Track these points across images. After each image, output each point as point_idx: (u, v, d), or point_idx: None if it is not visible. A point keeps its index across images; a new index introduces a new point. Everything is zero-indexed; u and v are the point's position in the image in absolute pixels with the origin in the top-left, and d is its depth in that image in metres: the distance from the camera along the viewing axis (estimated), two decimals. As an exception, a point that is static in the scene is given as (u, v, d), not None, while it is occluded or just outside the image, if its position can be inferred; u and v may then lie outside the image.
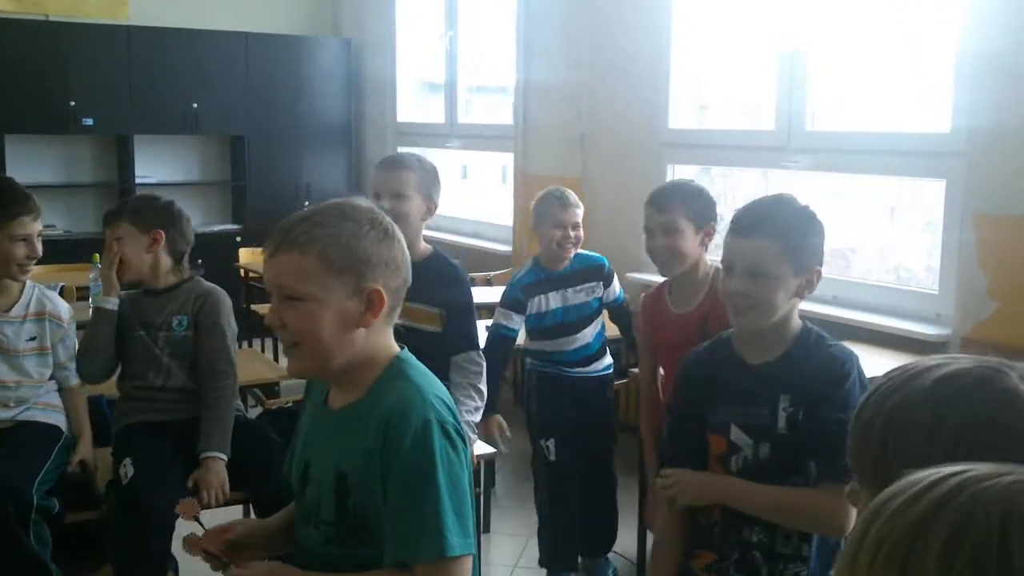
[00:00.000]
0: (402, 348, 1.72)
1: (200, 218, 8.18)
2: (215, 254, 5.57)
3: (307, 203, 7.96)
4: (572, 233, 3.82)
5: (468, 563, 1.61)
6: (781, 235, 2.07)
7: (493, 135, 7.16)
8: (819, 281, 2.15)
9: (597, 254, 4.08)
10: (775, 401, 2.08)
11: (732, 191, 6.00)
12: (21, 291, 3.02)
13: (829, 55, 4.79)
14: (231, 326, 3.13)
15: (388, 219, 1.69)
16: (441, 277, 3.17)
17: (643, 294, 3.18)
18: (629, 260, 5.79)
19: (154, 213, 3.06)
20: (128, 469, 2.82)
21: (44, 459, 2.86)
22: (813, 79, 4.77)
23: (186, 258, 3.16)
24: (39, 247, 2.97)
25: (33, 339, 3.00)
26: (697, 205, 3.06)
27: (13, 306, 2.99)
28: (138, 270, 3.05)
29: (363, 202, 1.70)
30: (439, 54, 7.66)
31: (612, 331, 4.24)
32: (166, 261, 3.08)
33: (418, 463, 1.57)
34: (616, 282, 4.09)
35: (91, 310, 3.12)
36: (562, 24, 6.24)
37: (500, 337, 3.79)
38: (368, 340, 1.65)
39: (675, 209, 3.01)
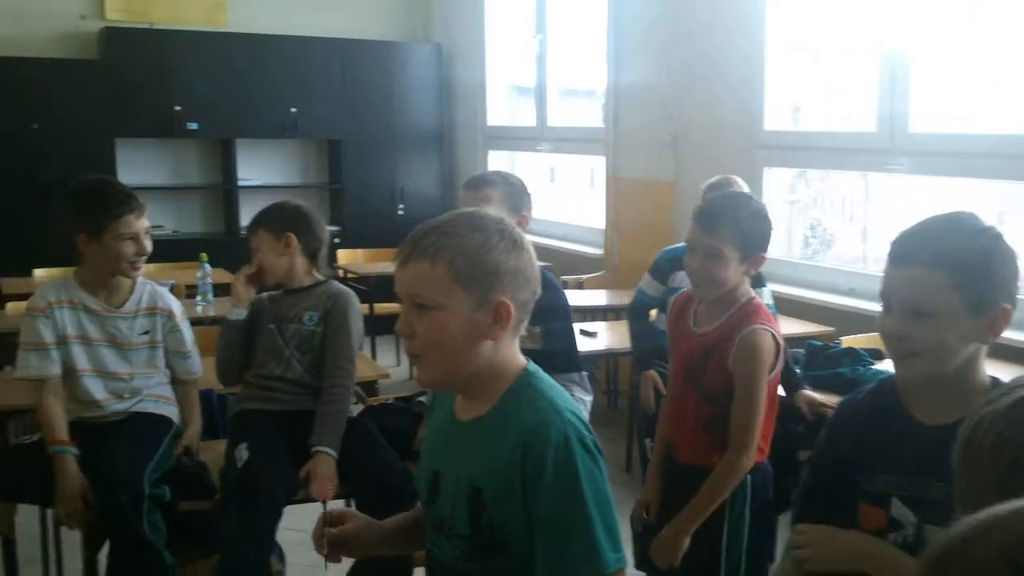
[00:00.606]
0: (528, 361, 1.71)
1: (297, 220, 8.38)
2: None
3: (401, 206, 8.22)
4: None
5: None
6: (948, 265, 1.69)
7: (583, 138, 7.20)
8: (1007, 323, 1.74)
9: None
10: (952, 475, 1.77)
11: (829, 194, 5.95)
12: (132, 288, 3.12)
13: (933, 55, 4.71)
14: (358, 328, 3.23)
15: (518, 230, 1.65)
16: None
17: (677, 294, 2.97)
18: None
19: (284, 218, 3.18)
20: (243, 453, 2.91)
21: (154, 449, 2.95)
22: (916, 79, 4.68)
23: (322, 255, 3.27)
24: (147, 244, 3.05)
25: (145, 333, 3.10)
26: (749, 231, 2.59)
27: (125, 302, 3.09)
28: (276, 273, 3.18)
29: (493, 213, 1.67)
30: (529, 57, 7.72)
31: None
32: (301, 262, 3.19)
33: (563, 482, 1.54)
34: (765, 291, 4.06)
35: (222, 323, 3.26)
36: (652, 25, 6.25)
37: (637, 300, 4.28)
38: (495, 352, 1.63)
39: (722, 233, 2.56)
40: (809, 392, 3.72)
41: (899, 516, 1.78)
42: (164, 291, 3.21)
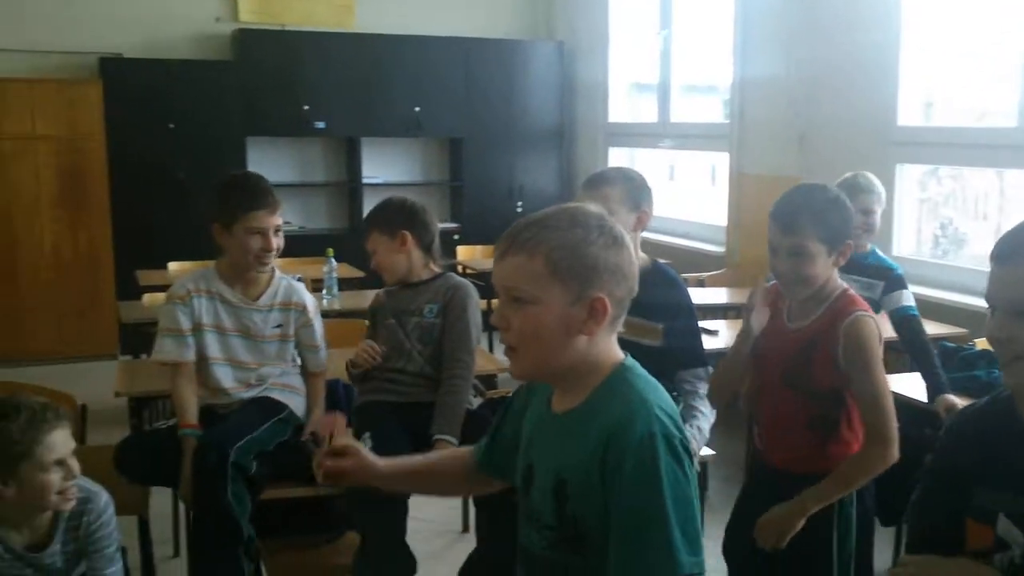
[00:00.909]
0: (626, 355, 1.70)
1: (420, 217, 8.51)
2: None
3: (520, 204, 8.26)
4: (861, 219, 3.69)
5: None
6: None
7: (706, 134, 7.11)
8: None
9: (893, 261, 4.06)
10: None
11: (961, 192, 5.75)
12: (270, 282, 3.20)
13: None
14: (476, 320, 3.26)
15: (618, 227, 1.65)
16: (661, 290, 3.19)
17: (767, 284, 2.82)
18: (849, 262, 5.63)
19: (395, 217, 3.23)
20: (368, 442, 2.97)
21: (253, 427, 3.01)
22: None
23: (436, 247, 3.32)
24: (274, 241, 3.10)
25: (278, 327, 3.18)
26: (831, 222, 2.48)
27: (261, 295, 3.18)
28: (394, 271, 3.24)
29: (594, 208, 1.66)
30: (652, 53, 7.66)
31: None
32: (417, 256, 3.25)
33: (642, 478, 1.53)
34: (906, 293, 3.91)
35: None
36: (782, 19, 6.13)
37: None
38: (591, 347, 1.63)
39: (804, 230, 2.45)
40: (952, 397, 3.50)
41: (1005, 535, 1.67)
42: (300, 287, 3.27)
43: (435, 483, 2.01)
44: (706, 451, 3.17)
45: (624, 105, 8.26)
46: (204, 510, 2.89)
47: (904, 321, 3.85)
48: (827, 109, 5.80)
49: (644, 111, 7.98)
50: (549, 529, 1.64)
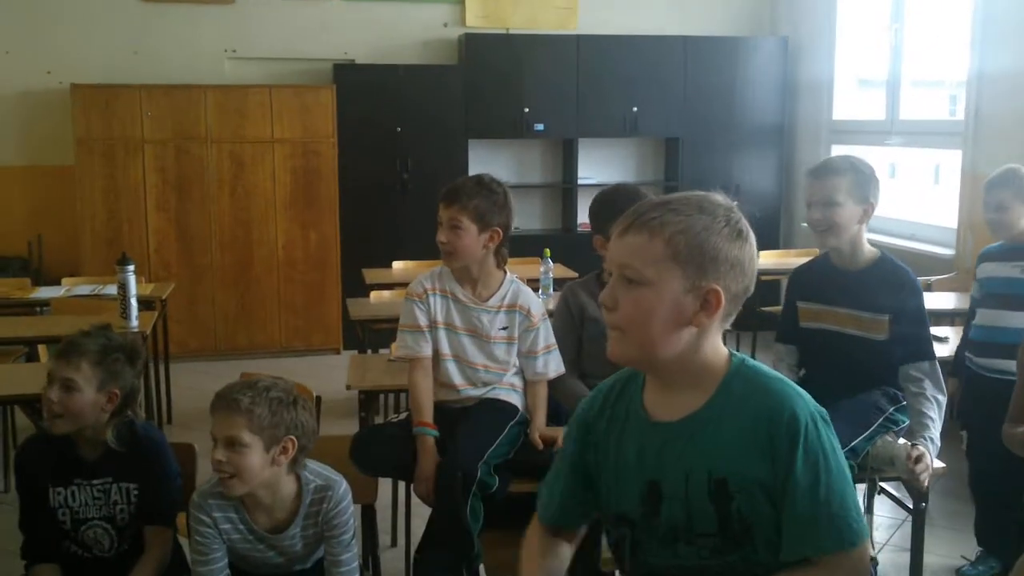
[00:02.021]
0: (740, 354, 1.67)
1: (635, 216, 8.51)
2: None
3: (736, 203, 8.05)
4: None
5: (869, 546, 1.60)
6: None
7: (937, 131, 6.78)
8: None
9: None
10: None
11: None
12: (501, 283, 3.22)
13: None
14: None
15: (745, 220, 1.62)
16: (889, 282, 3.10)
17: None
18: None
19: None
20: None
21: (494, 436, 3.03)
22: None
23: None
24: (443, 235, 3.09)
25: (504, 329, 3.19)
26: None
27: (492, 296, 3.20)
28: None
29: (722, 198, 1.63)
30: (882, 48, 7.37)
31: None
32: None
33: (818, 461, 1.55)
34: None
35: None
36: (1024, 11, 5.77)
37: None
38: (699, 342, 1.59)
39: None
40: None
41: None
42: (528, 291, 3.26)
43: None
44: (937, 464, 3.03)
45: (849, 102, 7.98)
46: (441, 521, 2.96)
47: None
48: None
49: (870, 108, 7.68)
50: (709, 536, 1.61)
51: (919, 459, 2.88)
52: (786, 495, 1.56)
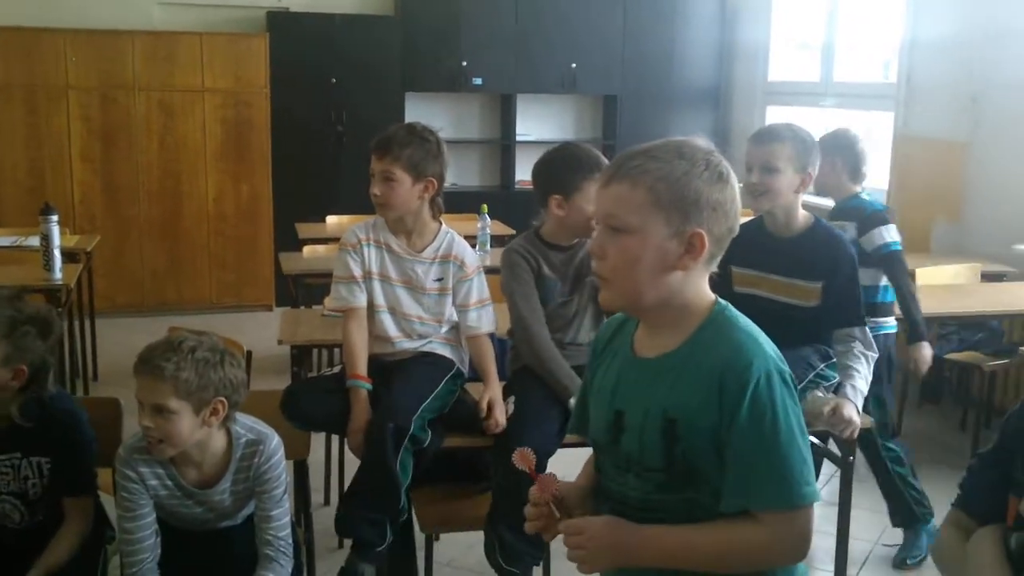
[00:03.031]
0: (716, 296, 1.69)
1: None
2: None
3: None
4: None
5: (814, 512, 1.60)
6: None
7: (871, 94, 6.85)
8: None
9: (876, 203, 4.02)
10: None
11: None
12: (437, 234, 3.18)
13: None
14: None
15: (726, 163, 1.63)
16: (822, 249, 3.12)
17: None
18: (1018, 231, 5.37)
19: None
20: (511, 406, 3.01)
21: (431, 389, 3.00)
22: None
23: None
24: (379, 187, 3.03)
25: (439, 280, 3.15)
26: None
27: (427, 247, 3.15)
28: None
29: (702, 142, 1.64)
30: (818, 11, 7.41)
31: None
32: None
33: (764, 415, 1.55)
34: (883, 230, 3.83)
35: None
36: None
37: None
38: (684, 284, 1.63)
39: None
40: (926, 347, 3.84)
41: None
42: (463, 242, 3.22)
43: None
44: (865, 419, 3.09)
45: (785, 64, 8.03)
46: (369, 474, 2.92)
47: (883, 259, 3.81)
48: (1003, 71, 5.51)
49: (806, 70, 7.73)
50: (656, 471, 1.64)
51: (836, 410, 2.95)
52: (729, 445, 1.57)
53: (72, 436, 2.57)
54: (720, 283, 3.34)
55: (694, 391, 1.60)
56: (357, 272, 3.13)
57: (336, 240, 5.45)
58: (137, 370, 2.33)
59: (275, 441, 2.50)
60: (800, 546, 1.60)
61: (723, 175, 1.62)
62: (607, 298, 1.68)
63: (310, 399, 3.04)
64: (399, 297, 3.14)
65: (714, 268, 1.67)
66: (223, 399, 2.36)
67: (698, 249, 1.59)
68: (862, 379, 3.06)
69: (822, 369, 3.15)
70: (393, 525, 2.92)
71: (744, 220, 3.50)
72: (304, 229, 6.01)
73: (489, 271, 3.52)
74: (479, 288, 3.20)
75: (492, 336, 3.43)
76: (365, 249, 3.15)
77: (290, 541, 2.52)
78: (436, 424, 3.00)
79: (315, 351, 4.85)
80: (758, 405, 1.56)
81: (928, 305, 4.52)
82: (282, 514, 2.50)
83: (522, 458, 1.77)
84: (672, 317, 1.65)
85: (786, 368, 1.61)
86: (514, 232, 6.25)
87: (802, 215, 3.19)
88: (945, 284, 4.98)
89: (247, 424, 2.49)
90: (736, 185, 1.64)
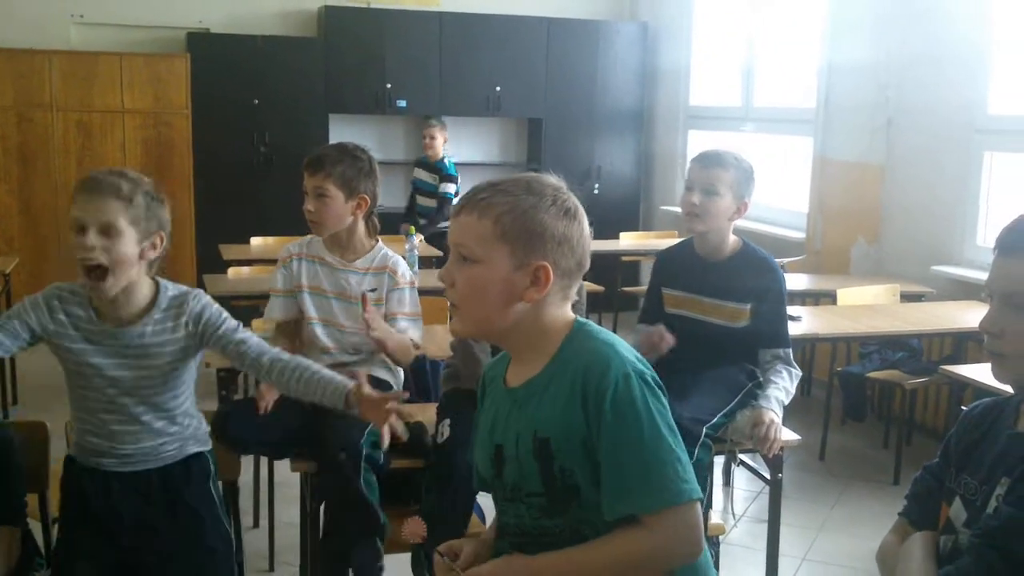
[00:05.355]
0: (576, 316, 1.71)
1: (497, 197, 8.54)
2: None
3: (597, 186, 8.24)
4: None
5: (699, 508, 1.60)
6: None
7: (790, 118, 7.01)
8: None
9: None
10: (997, 479, 1.65)
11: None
12: (371, 249, 3.20)
13: None
14: None
15: (574, 200, 1.67)
16: (751, 271, 3.19)
17: None
18: (935, 252, 5.52)
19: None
20: (445, 429, 2.98)
21: None
22: None
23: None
24: (312, 203, 3.05)
25: (373, 291, 3.15)
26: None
27: (359, 260, 3.17)
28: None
29: (553, 179, 1.68)
30: (737, 36, 7.57)
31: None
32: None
33: (627, 415, 1.56)
34: None
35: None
36: (875, 4, 6.00)
37: None
38: (537, 314, 1.65)
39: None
40: None
41: (954, 518, 1.71)
42: (398, 257, 3.24)
43: None
44: (790, 435, 3.15)
45: (706, 88, 8.17)
46: (341, 503, 2.90)
47: None
48: (916, 96, 5.68)
49: (727, 95, 7.88)
50: (537, 496, 1.65)
51: (757, 422, 3.00)
52: (599, 450, 1.59)
53: (2, 465, 2.47)
54: (650, 306, 3.41)
55: (558, 405, 1.62)
56: (284, 286, 3.18)
57: (261, 261, 5.42)
58: (86, 187, 2.28)
59: (202, 292, 2.44)
60: (691, 543, 1.60)
61: (570, 211, 1.65)
62: (457, 325, 1.71)
63: (243, 421, 3.00)
64: (332, 309, 3.14)
65: (573, 297, 1.69)
66: (163, 234, 2.34)
67: (543, 282, 1.62)
68: (780, 390, 3.12)
69: (751, 388, 3.20)
70: (382, 539, 2.90)
71: (675, 242, 3.60)
72: (228, 251, 5.92)
73: (423, 292, 3.50)
74: (412, 301, 3.22)
75: (423, 357, 3.44)
76: (295, 263, 3.19)
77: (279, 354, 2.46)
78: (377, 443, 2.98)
79: (241, 374, 4.77)
80: (619, 406, 1.57)
81: (849, 325, 4.65)
82: (250, 335, 2.44)
83: (413, 530, 1.85)
84: (530, 343, 1.68)
85: (647, 369, 1.63)
86: (441, 254, 6.24)
87: (732, 239, 3.24)
88: (866, 304, 5.11)
89: (171, 283, 2.43)
90: (585, 221, 1.67)
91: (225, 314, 2.44)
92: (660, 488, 1.56)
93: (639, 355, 1.66)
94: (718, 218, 3.17)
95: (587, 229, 1.68)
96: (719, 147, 3.35)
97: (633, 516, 1.59)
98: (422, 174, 7.19)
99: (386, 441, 2.36)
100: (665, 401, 1.62)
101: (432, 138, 6.98)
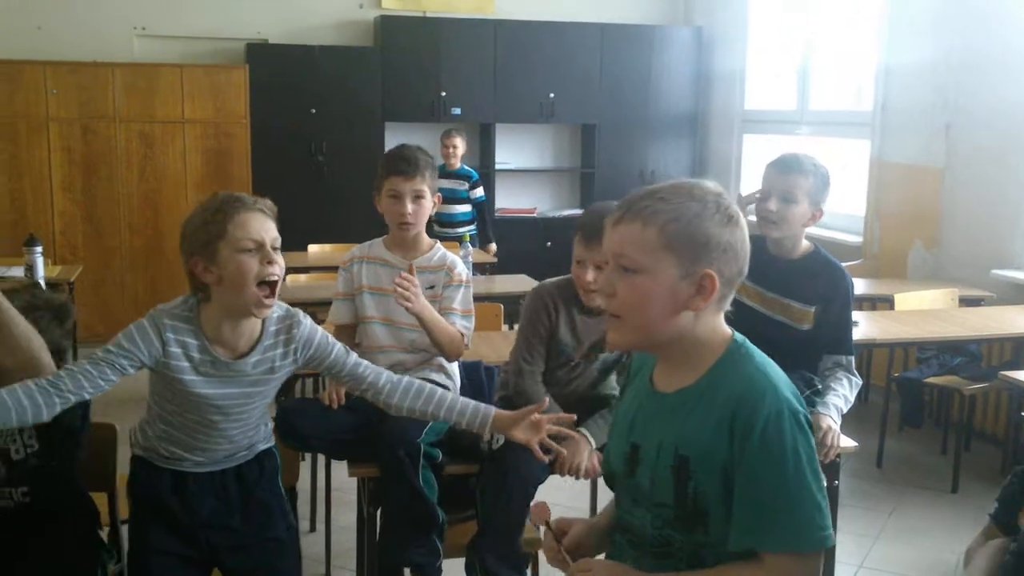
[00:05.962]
0: (734, 332, 1.70)
1: (550, 203, 8.57)
2: (562, 237, 5.83)
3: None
4: None
5: (821, 558, 1.57)
6: None
7: (846, 122, 6.94)
8: None
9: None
10: None
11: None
12: (431, 248, 3.24)
13: None
14: None
15: (734, 205, 1.64)
16: (820, 275, 3.17)
17: None
18: (995, 256, 5.44)
19: None
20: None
21: None
22: None
23: None
24: (410, 206, 3.09)
25: (431, 288, 3.17)
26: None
27: (419, 257, 3.19)
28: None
29: (712, 185, 1.65)
30: (793, 39, 7.51)
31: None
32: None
33: (773, 453, 1.53)
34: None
35: None
36: (932, 4, 5.93)
37: None
38: (697, 324, 1.63)
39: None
40: None
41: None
42: (455, 256, 3.29)
43: None
44: (847, 442, 3.12)
45: (762, 92, 8.13)
46: (399, 499, 2.93)
47: None
48: (976, 99, 5.60)
49: (783, 98, 7.83)
50: (665, 507, 1.63)
51: (814, 428, 2.95)
52: (736, 483, 1.57)
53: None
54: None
55: (706, 427, 1.60)
56: (345, 288, 3.23)
57: (318, 269, 5.49)
58: (254, 206, 2.45)
59: (301, 313, 2.49)
60: None
61: (733, 217, 1.62)
62: (616, 337, 1.67)
63: (305, 419, 3.05)
64: (392, 306, 3.12)
65: (727, 307, 1.68)
66: None
67: (709, 290, 1.60)
68: (840, 397, 3.08)
69: (808, 395, 3.17)
70: (440, 538, 2.94)
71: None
72: (286, 258, 5.93)
73: (477, 298, 3.52)
74: (464, 298, 3.22)
75: (480, 363, 3.46)
76: (355, 266, 3.24)
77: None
78: (441, 446, 3.01)
79: (300, 379, 4.85)
80: (767, 443, 1.54)
81: (907, 330, 4.60)
82: (357, 359, 2.52)
83: (539, 513, 1.83)
84: (686, 354, 1.66)
85: (801, 408, 1.59)
86: (495, 260, 6.29)
87: (804, 244, 3.23)
88: (924, 309, 5.05)
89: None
90: (745, 227, 1.65)
91: (330, 337, 2.50)
92: (793, 530, 1.54)
93: (794, 389, 1.63)
94: (794, 225, 3.15)
95: (747, 235, 1.66)
96: (796, 151, 3.28)
97: (755, 552, 1.57)
98: (443, 182, 7.22)
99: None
100: (813, 442, 1.60)
101: (455, 147, 6.97)
